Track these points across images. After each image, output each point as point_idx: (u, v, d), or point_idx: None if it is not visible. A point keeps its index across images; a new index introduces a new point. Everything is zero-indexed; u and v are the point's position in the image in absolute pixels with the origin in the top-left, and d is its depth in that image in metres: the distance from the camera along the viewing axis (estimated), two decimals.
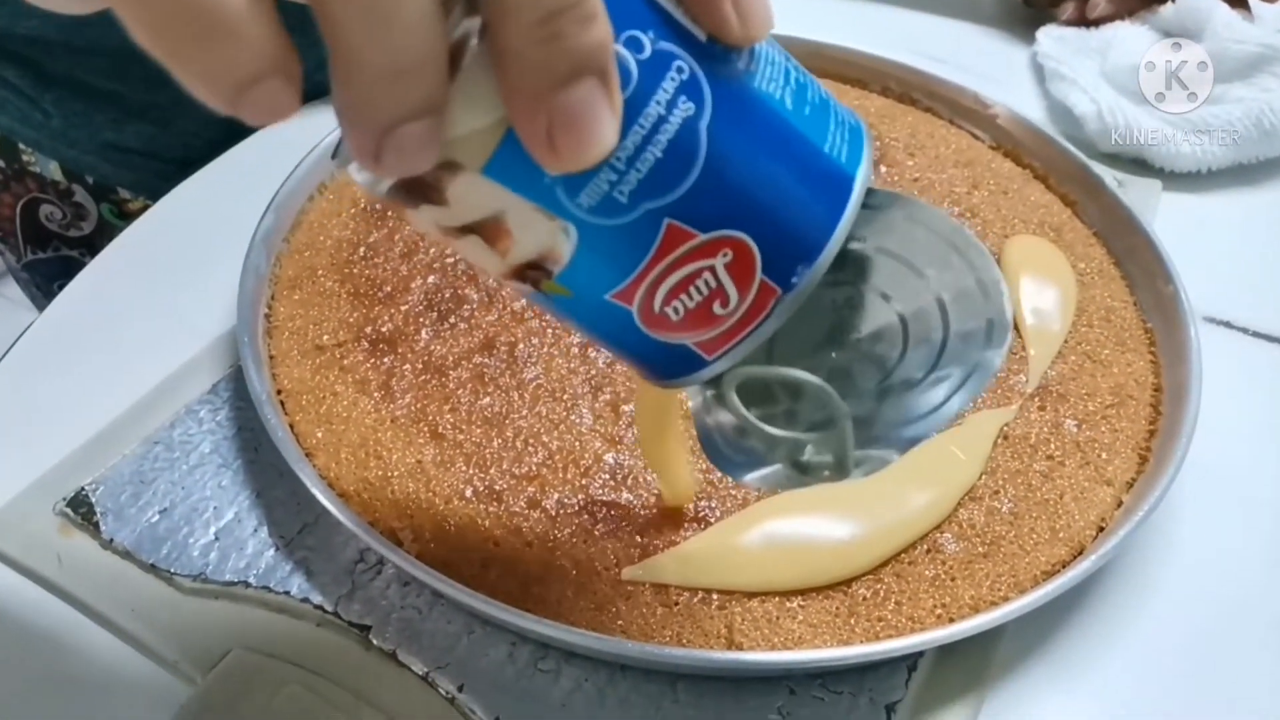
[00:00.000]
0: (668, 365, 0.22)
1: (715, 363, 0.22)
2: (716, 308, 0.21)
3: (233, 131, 0.54)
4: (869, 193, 0.21)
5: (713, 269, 0.20)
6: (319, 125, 0.53)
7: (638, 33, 0.18)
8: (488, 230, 0.20)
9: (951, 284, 0.24)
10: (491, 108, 0.18)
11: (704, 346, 0.21)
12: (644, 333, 0.21)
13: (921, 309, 0.25)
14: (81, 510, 0.35)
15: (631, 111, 0.18)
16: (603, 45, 0.17)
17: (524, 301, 0.39)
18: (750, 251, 0.20)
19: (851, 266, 0.24)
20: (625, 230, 0.20)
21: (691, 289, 0.20)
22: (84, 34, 0.50)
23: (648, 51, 0.18)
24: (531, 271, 0.21)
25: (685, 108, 0.19)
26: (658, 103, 0.19)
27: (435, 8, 0.16)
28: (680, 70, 0.19)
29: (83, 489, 0.35)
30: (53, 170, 0.58)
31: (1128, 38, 0.54)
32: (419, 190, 0.20)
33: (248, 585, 0.33)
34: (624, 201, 0.19)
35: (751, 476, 0.26)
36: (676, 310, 0.21)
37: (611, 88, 0.18)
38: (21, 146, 0.57)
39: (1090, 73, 0.53)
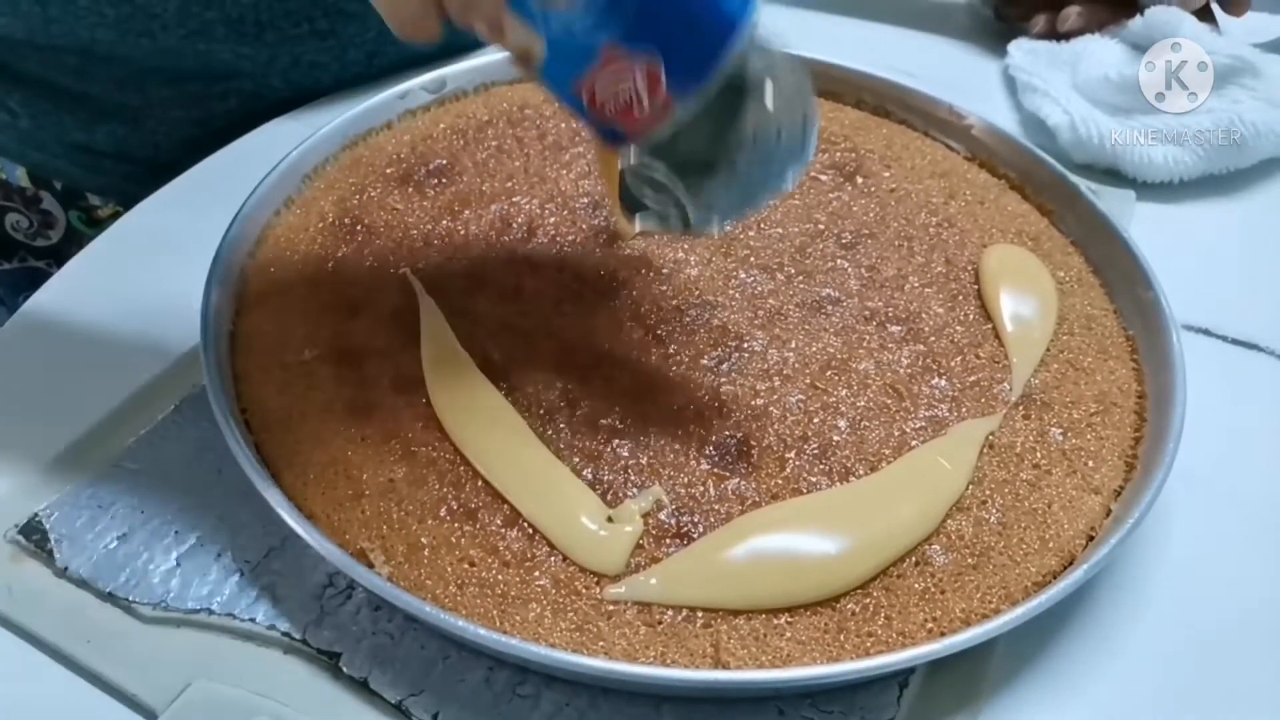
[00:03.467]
0: (608, 139, 0.32)
1: (635, 141, 0.31)
2: (635, 110, 0.30)
3: (203, 131, 0.53)
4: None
5: (634, 79, 0.29)
6: (283, 139, 0.52)
7: None
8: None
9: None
10: None
11: (629, 131, 0.31)
12: (593, 116, 0.31)
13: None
14: (34, 537, 0.33)
15: None
16: None
17: (500, 314, 0.38)
18: (658, 69, 0.29)
19: (753, 90, 0.31)
20: (577, 44, 0.29)
21: (618, 91, 0.29)
22: (49, 31, 0.48)
23: None
24: (523, 66, 0.31)
25: None
26: None
27: None
28: None
29: (36, 515, 0.34)
30: (19, 176, 0.56)
31: (1097, 50, 0.54)
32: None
33: (211, 613, 0.31)
34: (577, 27, 0.28)
35: (641, 219, 0.34)
36: (609, 107, 0.30)
37: None
38: None
39: (1062, 85, 0.54)
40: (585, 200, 0.44)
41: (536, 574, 0.31)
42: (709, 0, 0.29)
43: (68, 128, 0.55)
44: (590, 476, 0.33)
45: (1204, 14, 0.56)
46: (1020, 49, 0.58)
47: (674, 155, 0.32)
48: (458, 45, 0.53)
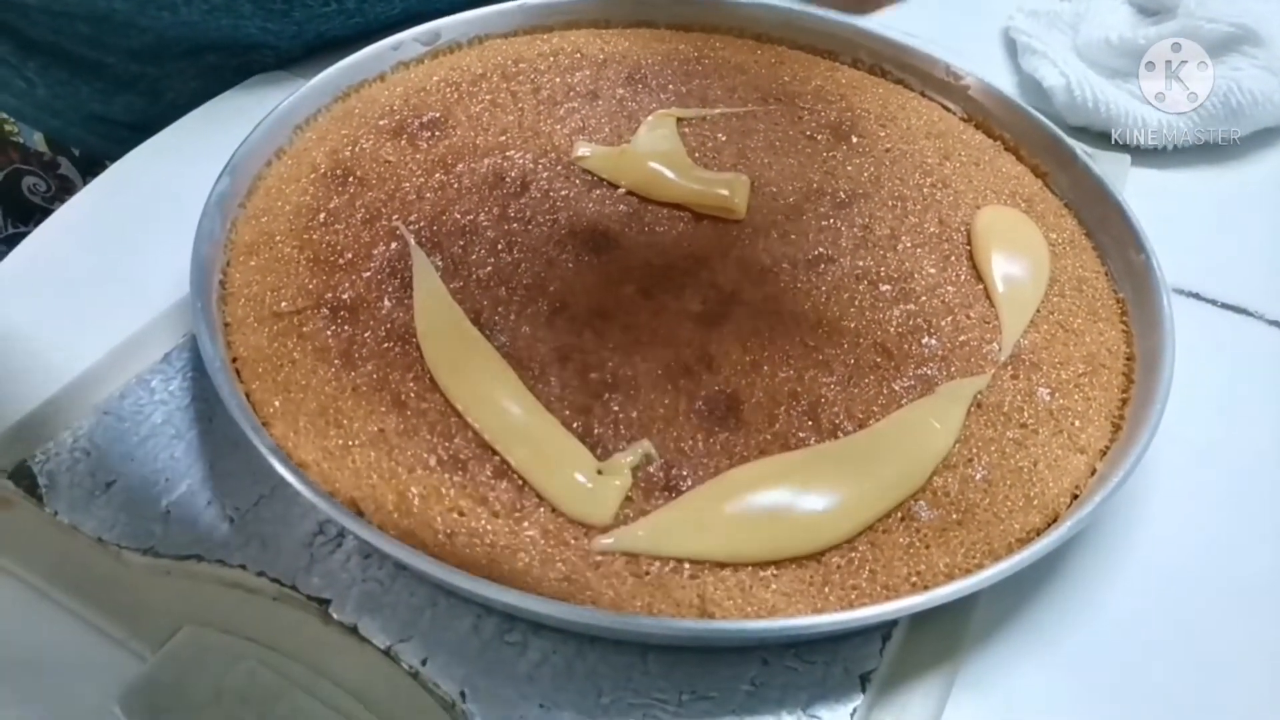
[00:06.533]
0: None
1: None
2: None
3: None
4: None
5: None
6: (274, 91, 0.51)
7: None
8: None
9: None
10: None
11: None
12: None
13: None
14: (24, 483, 0.33)
15: None
16: None
17: (489, 269, 0.38)
18: None
19: None
20: None
21: None
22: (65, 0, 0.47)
23: None
24: None
25: None
26: None
27: None
28: None
29: (25, 461, 0.34)
30: (37, 141, 0.56)
31: (1100, 12, 0.54)
32: None
33: (201, 559, 0.32)
34: None
35: None
36: None
37: None
38: (4, 116, 0.54)
39: (1062, 47, 0.53)
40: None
41: (525, 524, 0.31)
42: None
43: (85, 98, 0.54)
44: (580, 429, 0.33)
45: None
46: (1022, 10, 0.57)
47: None
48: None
